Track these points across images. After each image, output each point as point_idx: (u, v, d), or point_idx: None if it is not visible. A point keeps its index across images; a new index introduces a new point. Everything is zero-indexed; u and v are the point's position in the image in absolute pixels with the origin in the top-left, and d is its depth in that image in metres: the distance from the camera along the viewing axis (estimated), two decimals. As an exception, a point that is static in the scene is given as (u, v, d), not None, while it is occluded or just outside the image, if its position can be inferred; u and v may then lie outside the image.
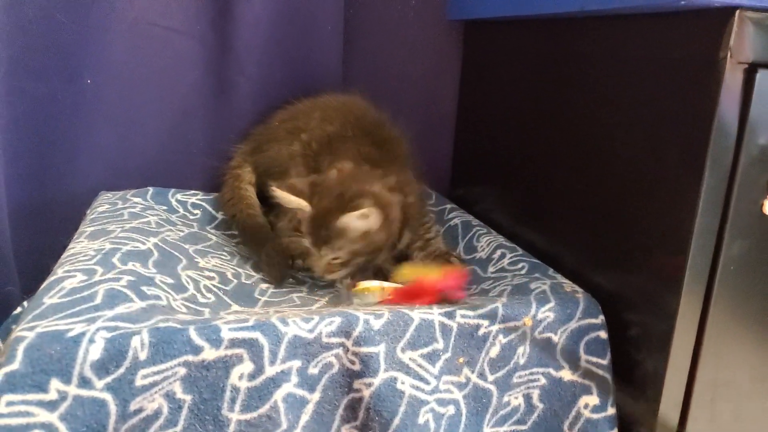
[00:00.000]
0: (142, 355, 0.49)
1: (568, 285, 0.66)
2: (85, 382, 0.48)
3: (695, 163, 0.53)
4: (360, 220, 0.69)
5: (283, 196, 0.71)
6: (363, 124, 0.84)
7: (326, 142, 0.82)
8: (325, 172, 0.76)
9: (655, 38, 0.59)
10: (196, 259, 0.73)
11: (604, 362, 0.63)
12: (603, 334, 0.63)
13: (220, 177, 0.91)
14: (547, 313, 0.62)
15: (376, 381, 0.55)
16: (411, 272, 0.69)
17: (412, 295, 0.64)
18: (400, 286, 0.68)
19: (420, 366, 0.58)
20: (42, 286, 0.57)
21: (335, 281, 0.74)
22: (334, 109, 0.87)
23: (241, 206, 0.85)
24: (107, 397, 0.49)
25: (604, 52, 0.67)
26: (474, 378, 0.60)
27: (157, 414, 0.50)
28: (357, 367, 0.55)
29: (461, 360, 0.60)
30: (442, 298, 0.63)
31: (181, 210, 0.88)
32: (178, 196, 0.90)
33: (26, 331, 0.49)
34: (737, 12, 0.49)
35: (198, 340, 0.51)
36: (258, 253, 0.79)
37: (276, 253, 0.78)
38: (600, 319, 0.63)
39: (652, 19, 0.59)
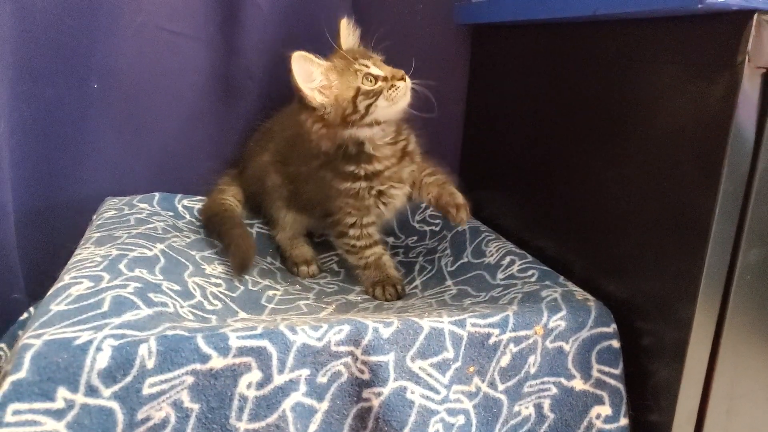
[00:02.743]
0: (150, 364, 0.49)
1: (580, 293, 0.65)
2: (92, 391, 0.47)
3: (711, 169, 0.53)
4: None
5: (308, 61, 0.70)
6: None
7: (286, 145, 0.82)
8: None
9: (670, 42, 0.58)
10: (202, 266, 0.72)
11: (617, 372, 0.62)
12: (615, 343, 0.62)
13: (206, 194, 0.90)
14: (558, 321, 0.61)
15: (386, 390, 0.55)
16: None
17: None
18: None
19: (430, 375, 0.57)
20: (49, 293, 0.56)
21: None
22: (289, 115, 0.86)
23: (217, 209, 0.84)
24: (114, 405, 0.48)
25: (616, 57, 0.66)
26: (484, 387, 0.59)
27: (164, 423, 0.50)
28: (366, 376, 0.55)
29: (471, 369, 0.59)
30: None
31: (187, 216, 0.88)
32: (185, 202, 0.89)
33: (33, 339, 0.48)
34: (755, 15, 0.49)
35: (206, 348, 0.50)
36: (224, 239, 0.78)
37: (244, 242, 0.76)
38: (612, 327, 0.62)
39: (667, 23, 0.58)
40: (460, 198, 0.76)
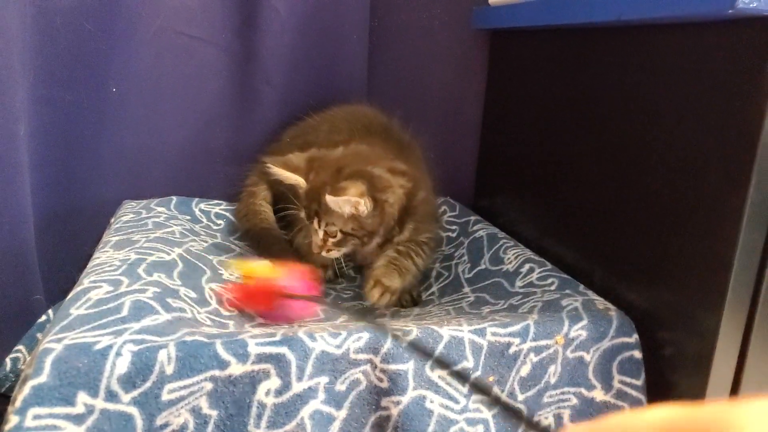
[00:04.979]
0: (169, 369, 0.49)
1: (601, 302, 0.64)
2: (112, 396, 0.47)
3: (740, 176, 0.52)
4: (345, 205, 0.68)
5: (278, 172, 0.71)
6: (370, 129, 0.84)
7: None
8: (330, 148, 0.76)
9: (698, 48, 0.57)
10: (219, 271, 0.72)
11: (639, 383, 0.61)
12: (637, 354, 0.61)
13: (236, 194, 0.91)
14: (579, 331, 0.60)
15: (405, 399, 0.54)
16: (246, 269, 0.63)
17: (250, 295, 0.61)
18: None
19: (449, 384, 0.56)
20: (69, 297, 0.56)
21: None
22: (341, 119, 0.87)
23: (255, 220, 0.85)
24: (134, 411, 0.48)
25: (641, 62, 0.65)
26: (504, 397, 0.58)
27: (183, 429, 0.49)
28: (385, 384, 0.54)
29: (491, 379, 0.58)
30: (279, 306, 0.59)
31: (204, 220, 0.88)
32: (202, 206, 0.89)
33: (54, 343, 0.48)
34: (788, 22, 0.48)
35: (225, 355, 0.50)
36: (263, 255, 0.78)
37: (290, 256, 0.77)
38: (634, 337, 0.61)
39: (695, 29, 0.57)
40: (387, 280, 0.70)
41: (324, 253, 0.72)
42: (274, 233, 0.84)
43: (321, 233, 0.72)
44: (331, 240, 0.71)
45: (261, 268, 0.62)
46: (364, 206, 0.69)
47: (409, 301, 0.75)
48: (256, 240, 0.83)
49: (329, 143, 0.83)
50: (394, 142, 0.81)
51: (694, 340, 0.58)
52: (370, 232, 0.72)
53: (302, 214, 0.73)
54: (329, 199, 0.67)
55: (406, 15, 0.97)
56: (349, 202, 0.68)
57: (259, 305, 0.61)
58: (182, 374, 0.49)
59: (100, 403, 0.47)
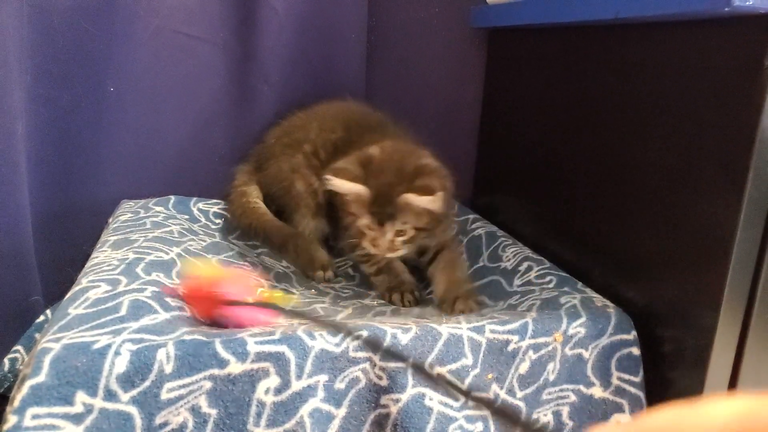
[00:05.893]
0: (168, 368, 0.49)
1: (599, 299, 0.64)
2: (110, 395, 0.47)
3: (737, 174, 0.52)
4: (429, 202, 0.70)
5: (339, 184, 0.70)
6: (365, 125, 0.84)
7: (333, 150, 0.82)
8: (364, 149, 0.75)
9: (695, 46, 0.57)
10: (218, 269, 0.72)
11: (637, 379, 0.61)
12: (635, 351, 0.61)
13: (225, 195, 0.90)
14: (578, 328, 0.60)
15: (404, 397, 0.54)
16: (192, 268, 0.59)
17: (192, 297, 0.56)
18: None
19: (448, 382, 0.56)
20: (67, 296, 0.56)
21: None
22: (332, 117, 0.87)
23: (255, 216, 0.85)
24: (133, 410, 0.48)
25: (638, 61, 0.65)
26: (503, 394, 0.59)
27: (182, 428, 0.49)
28: (384, 382, 0.54)
29: (490, 376, 0.58)
30: (218, 314, 0.54)
31: (203, 219, 0.88)
32: (200, 205, 0.89)
33: (52, 343, 0.48)
34: (784, 19, 0.48)
35: (224, 354, 0.50)
36: (287, 250, 0.80)
37: (307, 243, 0.78)
38: (632, 334, 0.61)
39: (693, 26, 0.57)
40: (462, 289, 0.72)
41: (389, 254, 0.73)
42: (280, 224, 0.85)
43: (390, 234, 0.71)
44: (399, 239, 0.72)
45: (206, 269, 0.57)
46: (441, 199, 0.70)
47: (412, 301, 0.75)
48: (261, 231, 0.83)
49: (326, 141, 0.83)
50: (388, 135, 0.81)
51: (692, 337, 0.58)
52: (439, 220, 0.74)
53: (363, 222, 0.72)
54: (412, 198, 0.68)
55: (405, 14, 0.97)
56: (435, 200, 0.69)
57: (200, 309, 0.56)
58: (181, 373, 0.49)
59: (99, 403, 0.47)
